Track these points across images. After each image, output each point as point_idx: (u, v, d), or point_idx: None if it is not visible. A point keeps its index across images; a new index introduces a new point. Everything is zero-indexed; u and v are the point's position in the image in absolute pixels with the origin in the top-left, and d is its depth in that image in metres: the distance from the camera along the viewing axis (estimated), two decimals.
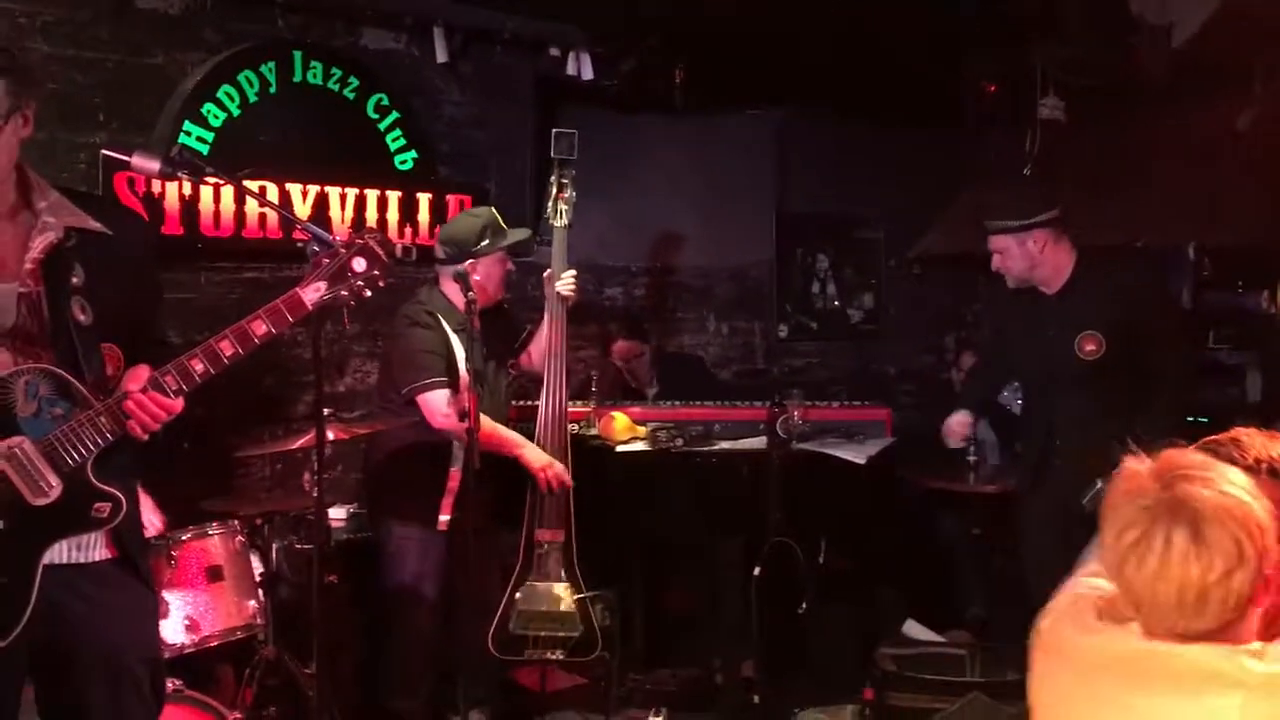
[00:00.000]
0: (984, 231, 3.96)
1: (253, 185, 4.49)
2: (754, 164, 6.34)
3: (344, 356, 5.01)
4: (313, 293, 2.47)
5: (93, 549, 2.37)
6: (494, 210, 4.09)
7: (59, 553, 2.32)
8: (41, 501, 2.25)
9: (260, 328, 2.40)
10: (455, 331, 3.84)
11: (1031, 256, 3.86)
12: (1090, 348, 3.82)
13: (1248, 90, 4.63)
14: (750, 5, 4.74)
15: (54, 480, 2.25)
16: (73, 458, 2.27)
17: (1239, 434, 1.88)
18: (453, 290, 3.90)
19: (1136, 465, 1.68)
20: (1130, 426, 3.59)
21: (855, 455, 4.34)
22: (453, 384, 3.79)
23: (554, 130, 4.20)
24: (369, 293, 2.53)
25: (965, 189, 6.58)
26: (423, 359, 3.83)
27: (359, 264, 2.51)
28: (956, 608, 5.16)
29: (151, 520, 3.66)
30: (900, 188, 6.55)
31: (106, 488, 2.31)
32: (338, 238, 2.57)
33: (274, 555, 3.87)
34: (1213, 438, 1.91)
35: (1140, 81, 4.66)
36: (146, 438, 2.34)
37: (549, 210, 4.18)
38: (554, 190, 4.16)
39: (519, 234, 4.04)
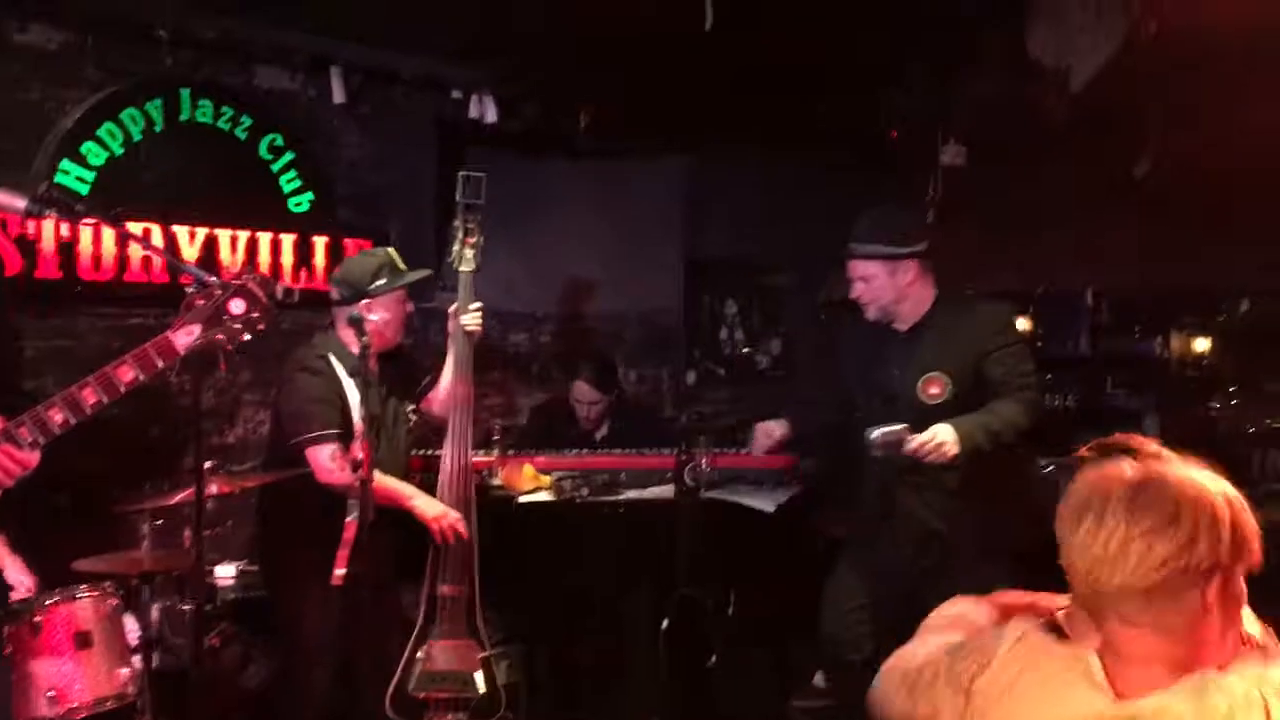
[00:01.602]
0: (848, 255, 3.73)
1: (135, 227, 4.31)
2: (662, 209, 6.29)
3: (234, 405, 4.80)
4: (184, 336, 2.33)
5: None
6: (391, 251, 3.95)
7: None
8: None
9: (127, 374, 2.25)
10: (350, 376, 3.68)
11: (899, 288, 3.65)
12: (934, 390, 3.60)
13: (1144, 136, 4.71)
14: (656, 51, 4.71)
15: None
16: None
17: (1131, 437, 1.83)
18: (348, 334, 3.74)
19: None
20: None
21: (764, 504, 4.26)
22: (345, 434, 3.63)
23: (461, 173, 4.07)
24: (248, 336, 2.39)
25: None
26: (311, 409, 3.65)
27: (236, 306, 2.38)
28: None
29: (21, 580, 3.43)
30: (808, 233, 6.55)
31: None
32: (214, 279, 2.40)
33: (153, 617, 3.65)
34: (1104, 439, 1.87)
35: (1039, 127, 4.72)
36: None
37: (454, 255, 4.04)
38: (460, 234, 4.03)
39: (417, 274, 3.90)
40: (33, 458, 2.18)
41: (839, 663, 3.85)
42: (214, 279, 2.41)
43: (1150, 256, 5.28)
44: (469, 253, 4.00)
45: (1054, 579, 1.65)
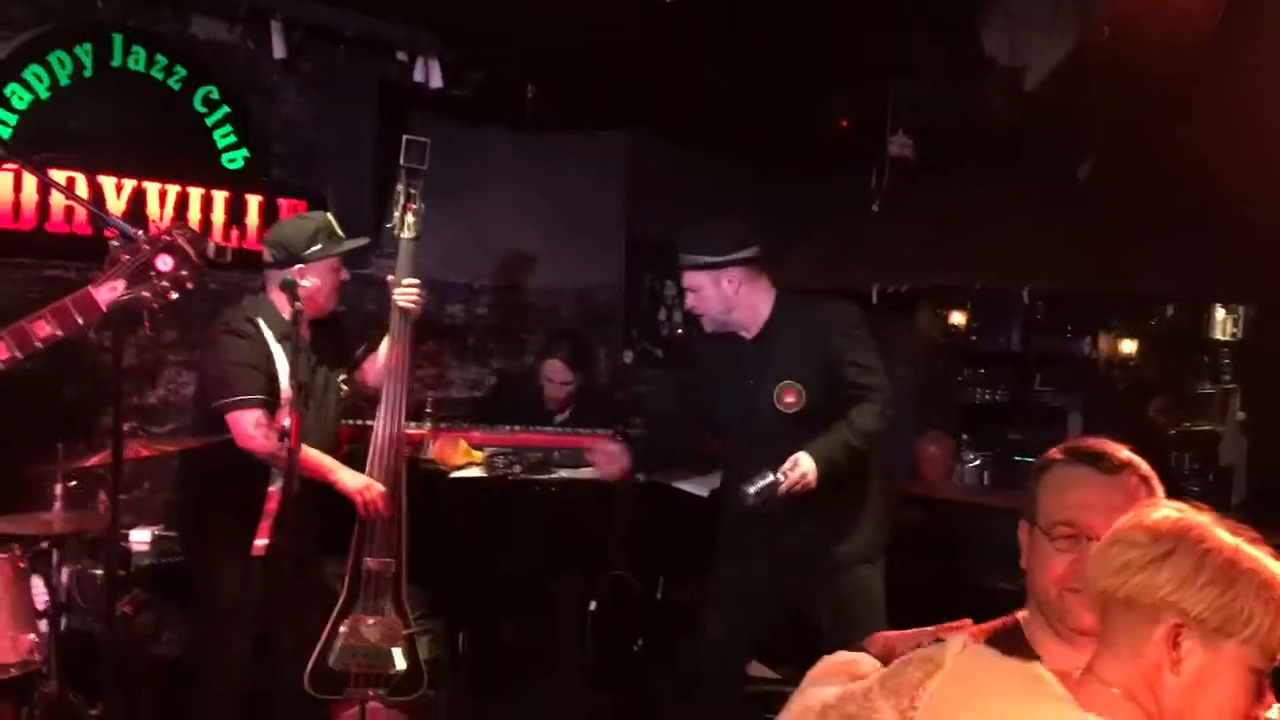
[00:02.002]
0: (684, 267, 3.64)
1: (59, 175, 4.14)
2: (604, 186, 6.22)
3: (157, 365, 4.64)
4: (108, 292, 2.23)
5: None
6: (329, 215, 3.83)
7: None
8: None
9: (43, 329, 2.14)
10: (279, 342, 3.56)
11: (726, 298, 3.56)
12: (790, 399, 3.53)
13: (1090, 138, 4.75)
14: (605, 26, 4.63)
15: None
16: None
17: (1102, 442, 1.81)
18: (280, 298, 3.63)
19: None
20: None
21: (698, 488, 4.23)
22: (270, 400, 3.52)
23: (405, 137, 3.93)
24: (175, 295, 2.28)
25: (813, 223, 6.63)
26: (235, 372, 3.53)
27: (164, 263, 2.28)
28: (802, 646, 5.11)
29: None
30: (751, 217, 6.52)
31: None
32: (143, 233, 2.28)
33: (63, 582, 3.52)
34: (1078, 441, 1.85)
35: (989, 124, 4.74)
36: None
37: (395, 221, 3.90)
38: (401, 200, 3.89)
39: (354, 242, 3.79)
40: None
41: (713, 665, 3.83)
42: (141, 234, 2.28)
43: (1086, 258, 5.33)
44: (410, 219, 3.88)
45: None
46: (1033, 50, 3.76)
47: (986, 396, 7.14)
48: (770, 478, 3.35)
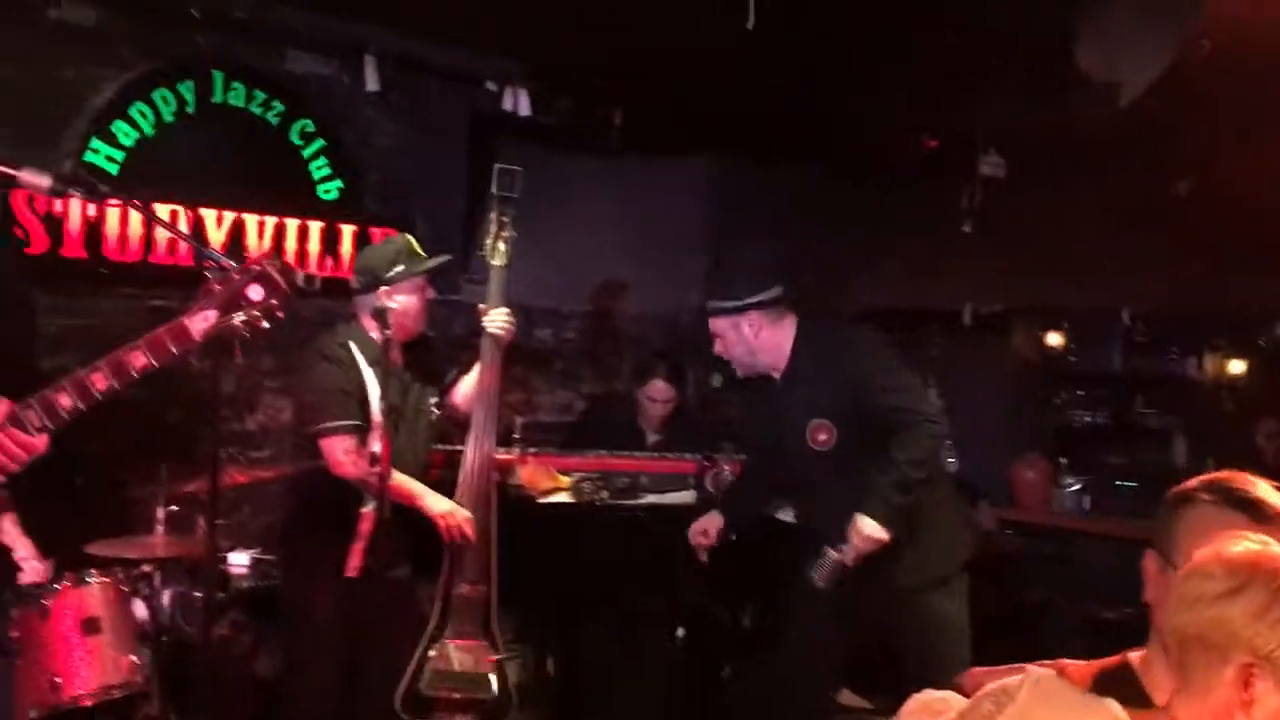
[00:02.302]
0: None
1: (163, 209, 4.29)
2: (690, 210, 6.23)
3: (255, 393, 4.77)
4: (201, 322, 2.25)
5: None
6: (410, 238, 3.89)
7: None
8: None
9: (139, 359, 2.18)
10: (370, 366, 3.63)
11: (747, 341, 3.52)
12: (822, 438, 3.46)
13: (1189, 154, 4.61)
14: (689, 51, 4.64)
15: None
16: None
17: (1231, 474, 1.72)
18: (371, 323, 3.70)
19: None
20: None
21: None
22: (363, 425, 3.58)
23: (497, 166, 3.97)
24: (266, 324, 2.31)
25: (902, 243, 6.54)
26: (327, 399, 3.59)
27: (255, 292, 2.29)
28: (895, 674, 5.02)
29: (32, 564, 3.41)
30: (837, 239, 6.47)
31: None
32: (233, 264, 2.33)
33: (165, 604, 3.62)
34: (1212, 476, 1.75)
35: (1083, 141, 4.62)
36: (3, 480, 2.12)
37: (487, 248, 3.95)
38: (494, 228, 3.94)
39: (435, 260, 3.82)
40: (40, 442, 2.12)
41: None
42: (232, 264, 2.33)
43: (1188, 277, 5.17)
44: (501, 246, 3.93)
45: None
46: (1128, 65, 3.66)
47: (1086, 419, 6.94)
48: (831, 556, 3.33)
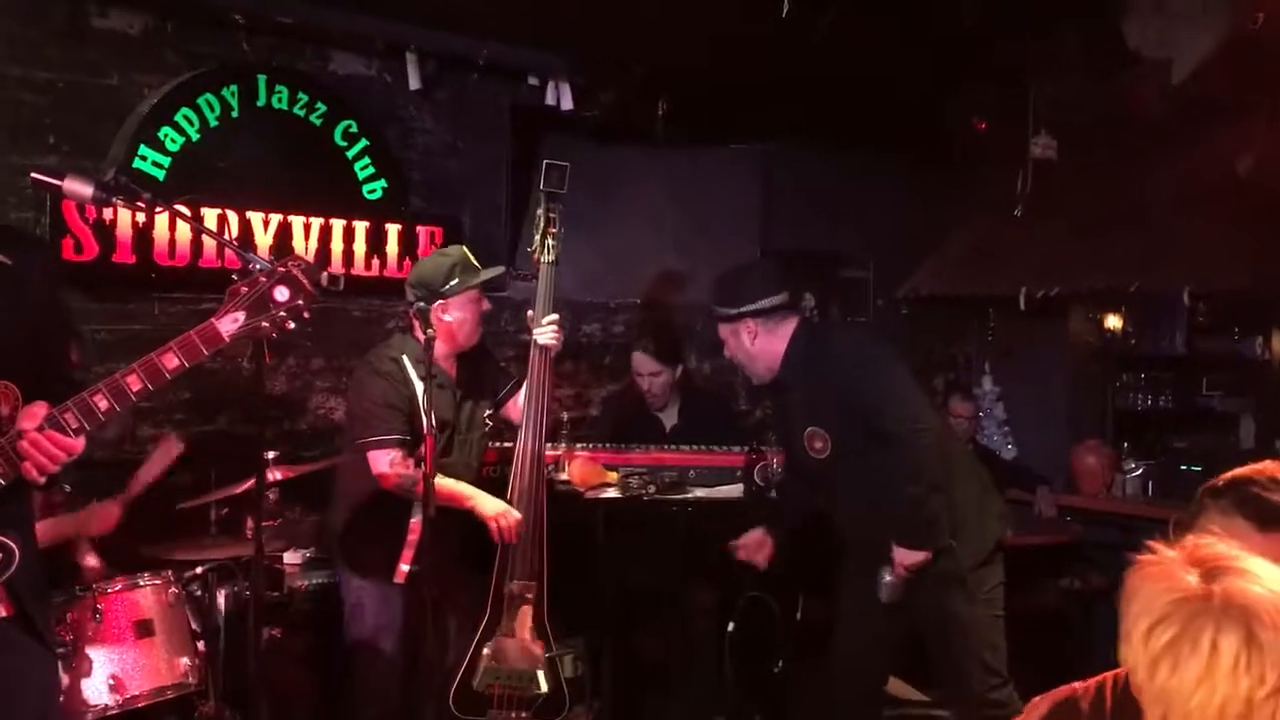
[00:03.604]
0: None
1: (210, 213, 4.34)
2: (738, 199, 6.16)
3: (306, 392, 4.81)
4: (230, 323, 2.28)
5: None
6: (465, 248, 3.88)
7: None
8: None
9: (171, 361, 2.22)
10: (423, 380, 3.63)
11: (745, 349, 3.54)
12: (818, 445, 3.48)
13: (1249, 131, 4.46)
14: (732, 38, 4.58)
15: None
16: None
17: (1270, 469, 1.64)
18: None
19: (1162, 552, 1.44)
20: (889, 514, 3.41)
21: None
22: (412, 439, 3.59)
23: (545, 162, 3.94)
24: (292, 324, 2.34)
25: (956, 227, 6.43)
26: (376, 412, 3.63)
27: (281, 293, 2.31)
28: None
29: (90, 564, 3.47)
30: (889, 225, 6.37)
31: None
32: (259, 265, 2.36)
33: (220, 605, 3.66)
34: (1242, 472, 1.68)
35: (1137, 119, 4.50)
36: (43, 481, 2.16)
37: (536, 246, 3.92)
38: (542, 225, 3.91)
39: (491, 271, 3.83)
40: (78, 444, 2.16)
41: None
42: (259, 265, 2.35)
43: (1251, 255, 5.01)
44: (551, 243, 3.90)
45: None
46: (1180, 41, 3.55)
47: (1148, 402, 6.78)
48: (887, 578, 3.41)
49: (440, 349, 3.69)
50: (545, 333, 3.85)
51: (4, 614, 2.19)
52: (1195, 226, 5.12)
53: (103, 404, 2.17)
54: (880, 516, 3.42)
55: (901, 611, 3.51)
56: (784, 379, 3.55)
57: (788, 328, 3.52)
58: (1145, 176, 5.09)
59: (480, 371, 3.93)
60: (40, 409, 2.15)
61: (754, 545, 3.86)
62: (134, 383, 2.19)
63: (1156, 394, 6.79)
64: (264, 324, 2.30)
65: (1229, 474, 1.71)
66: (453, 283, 3.70)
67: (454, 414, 3.75)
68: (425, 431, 3.46)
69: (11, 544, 2.13)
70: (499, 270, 3.91)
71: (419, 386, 3.61)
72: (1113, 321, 6.57)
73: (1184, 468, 6.16)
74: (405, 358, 3.68)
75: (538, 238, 3.92)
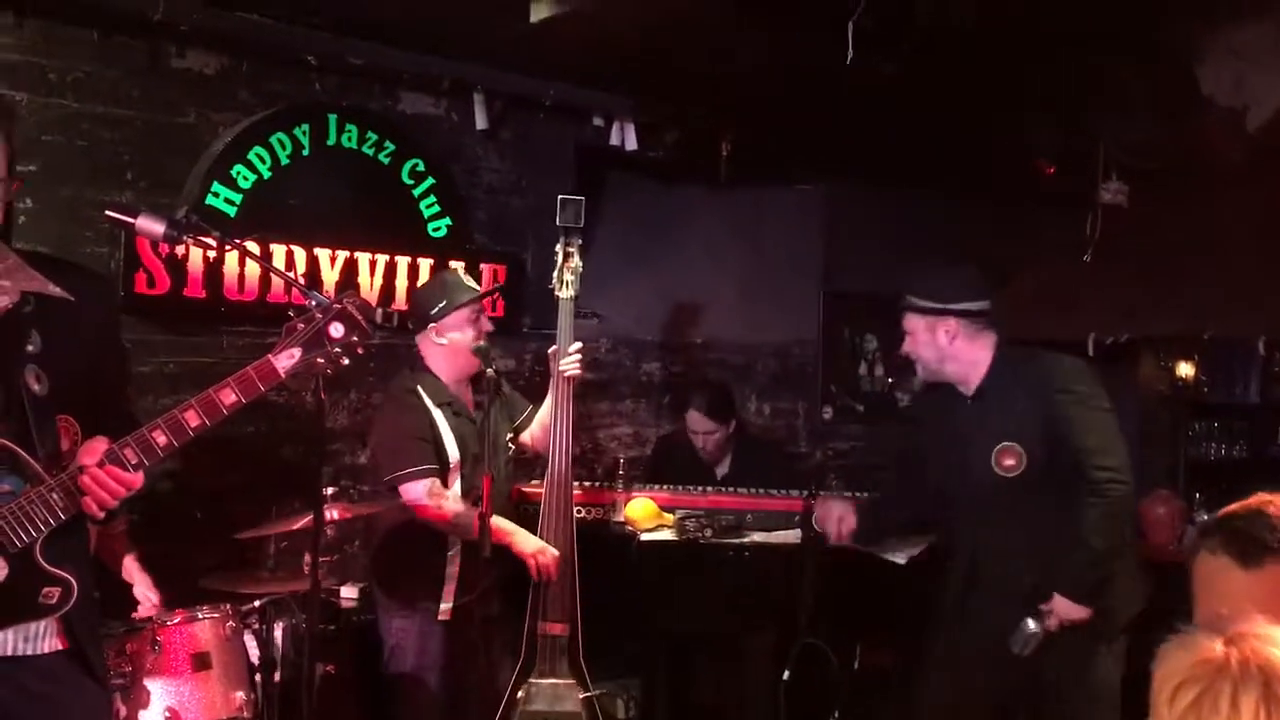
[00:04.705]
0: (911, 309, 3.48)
1: (279, 249, 4.41)
2: (800, 239, 6.16)
3: (366, 426, 4.84)
4: (286, 360, 2.30)
5: (41, 639, 2.19)
6: (458, 270, 3.89)
7: (2, 644, 2.14)
8: None
9: (229, 397, 2.23)
10: (438, 407, 3.64)
11: (940, 348, 3.41)
12: (1009, 462, 3.32)
13: None
14: (796, 78, 4.58)
15: None
16: (21, 538, 2.09)
17: (1266, 500, 1.64)
18: (437, 364, 3.72)
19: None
20: (1058, 554, 3.27)
21: (896, 555, 4.05)
22: (441, 468, 3.59)
23: (560, 197, 3.97)
24: (346, 360, 2.34)
25: (1022, 270, 6.34)
26: (404, 445, 3.60)
27: (336, 329, 2.32)
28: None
29: (147, 596, 3.51)
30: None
31: (57, 571, 2.14)
32: (315, 302, 2.38)
33: (277, 638, 3.68)
34: (1230, 508, 1.67)
35: (1209, 166, 4.41)
36: (103, 516, 2.18)
37: (554, 281, 3.93)
38: (559, 260, 3.91)
39: (476, 292, 3.79)
40: (137, 479, 2.18)
41: None
42: (317, 301, 2.38)
43: None
44: (568, 277, 3.89)
45: None
46: (1257, 88, 3.47)
47: (1221, 452, 6.61)
48: (1031, 628, 3.25)
49: (447, 374, 3.71)
50: (571, 362, 3.84)
51: (60, 647, 2.21)
52: (1271, 273, 5.00)
53: (161, 439, 2.19)
54: (1039, 559, 3.30)
55: (1012, 670, 3.36)
56: (986, 388, 3.43)
57: (988, 337, 3.43)
58: (1219, 221, 4.98)
59: (498, 395, 3.89)
60: (100, 444, 2.18)
61: (835, 515, 3.77)
62: (192, 418, 2.20)
63: (1230, 443, 6.63)
64: (319, 360, 2.31)
65: (1221, 511, 1.70)
66: (441, 304, 3.69)
67: (479, 444, 3.73)
68: (455, 467, 3.47)
69: (70, 578, 2.15)
70: (486, 291, 3.83)
71: (437, 414, 3.62)
72: (1185, 369, 6.43)
73: None
74: (420, 388, 3.68)
75: (555, 273, 3.92)
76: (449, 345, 3.67)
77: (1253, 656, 1.41)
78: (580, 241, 3.92)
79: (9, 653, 2.15)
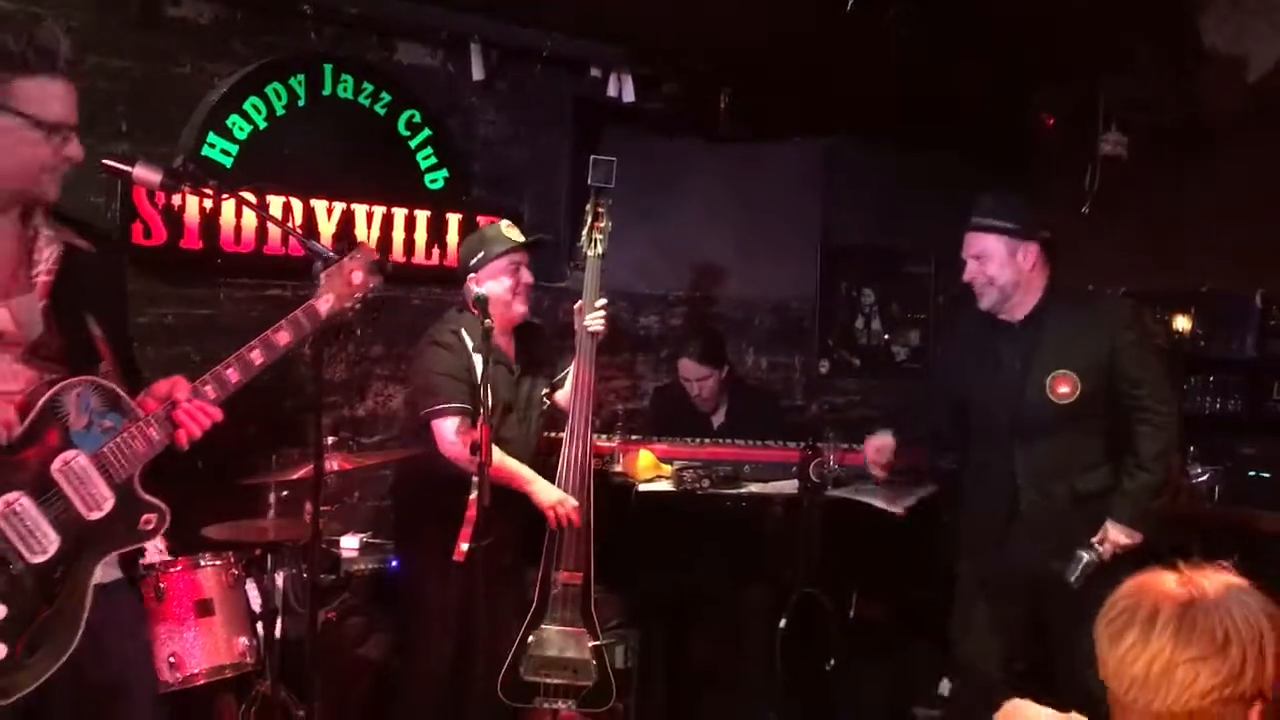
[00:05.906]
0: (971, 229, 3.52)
1: (276, 200, 4.40)
2: (799, 193, 6.13)
3: (366, 379, 4.86)
4: (324, 304, 2.50)
5: (113, 567, 2.36)
6: (504, 223, 3.92)
7: (102, 572, 2.30)
8: (95, 516, 2.24)
9: (284, 337, 2.43)
10: (478, 352, 3.67)
11: (1020, 271, 3.45)
12: (1064, 389, 3.38)
13: None
14: (795, 31, 4.55)
15: (107, 493, 2.25)
16: (123, 470, 2.25)
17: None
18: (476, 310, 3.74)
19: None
20: (1110, 477, 3.40)
21: (891, 505, 4.09)
22: (473, 410, 3.62)
23: (592, 157, 4.01)
24: (359, 307, 2.58)
25: None
26: (438, 381, 3.67)
27: (357, 277, 2.53)
28: None
29: (155, 547, 3.54)
30: (952, 221, 6.28)
31: (153, 499, 2.32)
32: (332, 253, 2.57)
33: (279, 586, 3.72)
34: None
35: (1209, 118, 4.39)
36: (188, 447, 2.33)
37: (583, 239, 3.99)
38: (589, 219, 3.97)
39: (511, 243, 3.80)
40: (219, 413, 2.35)
41: (969, 675, 3.68)
42: (332, 253, 2.56)
43: None
44: (598, 237, 3.93)
45: None
46: (1257, 39, 3.45)
47: (1216, 406, 6.63)
48: (1086, 558, 3.32)
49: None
50: (597, 318, 3.87)
51: (120, 576, 2.41)
52: (1270, 226, 5.01)
53: (234, 376, 2.38)
54: (1082, 488, 3.40)
55: (1052, 595, 3.43)
56: (1034, 317, 3.49)
57: (1046, 270, 3.52)
58: (1218, 175, 4.97)
59: (536, 350, 3.96)
60: (182, 380, 2.35)
61: (875, 448, 3.80)
62: (257, 357, 2.40)
63: (1225, 398, 6.64)
64: (346, 304, 2.52)
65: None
66: (480, 255, 3.74)
67: (513, 393, 3.78)
68: (481, 420, 3.49)
69: (164, 506, 2.34)
70: (513, 241, 3.83)
71: (477, 359, 3.65)
72: (1181, 323, 6.43)
73: (1252, 474, 6.02)
74: (464, 331, 3.72)
75: (585, 231, 3.97)
76: (486, 295, 3.69)
77: (1187, 585, 1.49)
78: (610, 202, 3.93)
79: (101, 579, 2.28)
